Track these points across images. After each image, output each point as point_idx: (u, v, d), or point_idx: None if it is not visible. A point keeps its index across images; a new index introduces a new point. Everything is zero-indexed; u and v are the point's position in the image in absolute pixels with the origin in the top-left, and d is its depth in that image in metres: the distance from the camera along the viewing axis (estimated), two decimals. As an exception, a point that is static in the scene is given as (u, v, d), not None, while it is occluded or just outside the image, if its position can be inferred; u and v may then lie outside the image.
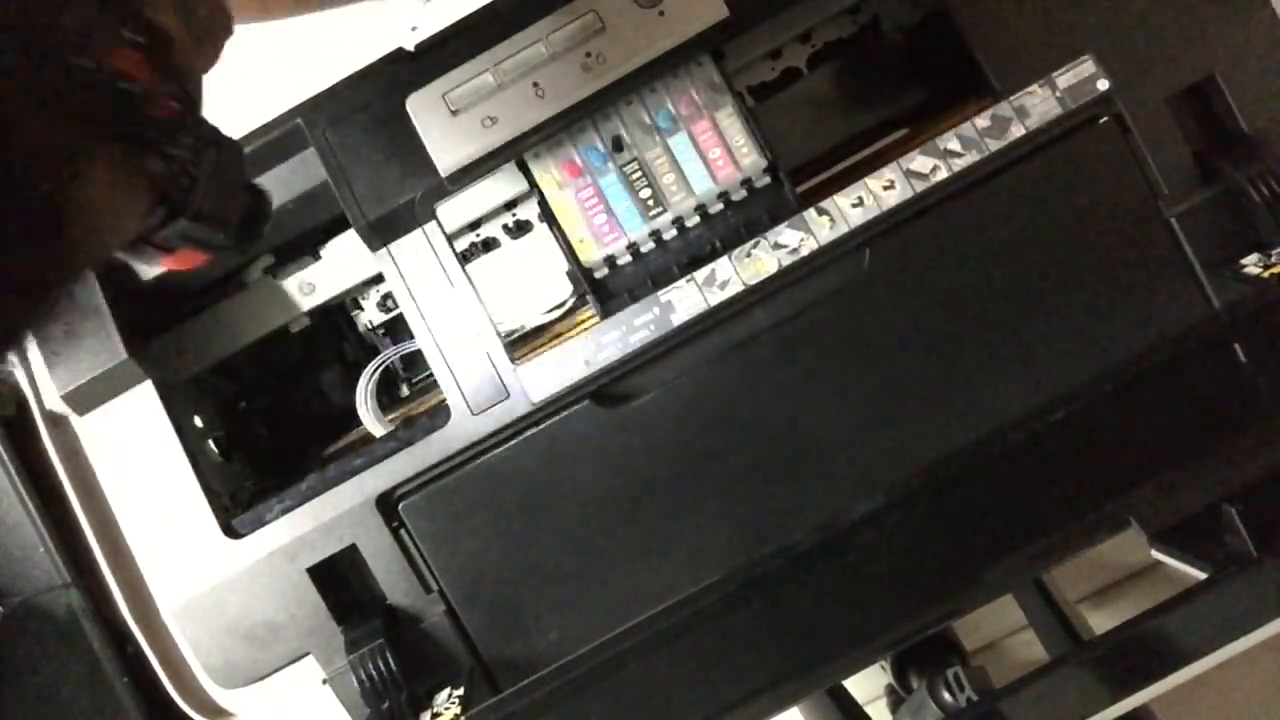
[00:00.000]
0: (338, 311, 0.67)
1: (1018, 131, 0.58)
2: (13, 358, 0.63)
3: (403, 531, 0.59)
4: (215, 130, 0.36)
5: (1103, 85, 0.58)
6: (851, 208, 0.58)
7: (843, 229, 0.58)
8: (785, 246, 0.58)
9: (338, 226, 0.62)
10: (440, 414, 0.59)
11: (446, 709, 0.55)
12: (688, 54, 0.57)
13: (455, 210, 0.63)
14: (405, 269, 0.59)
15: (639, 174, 0.59)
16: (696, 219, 0.60)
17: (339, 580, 0.60)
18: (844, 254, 0.58)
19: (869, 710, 0.72)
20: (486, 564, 0.59)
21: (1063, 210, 0.58)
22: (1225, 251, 0.57)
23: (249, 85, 0.62)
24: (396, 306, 0.64)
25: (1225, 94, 0.58)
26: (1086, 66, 0.58)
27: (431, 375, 0.64)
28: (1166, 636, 0.48)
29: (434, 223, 0.58)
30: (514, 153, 0.58)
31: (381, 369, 0.66)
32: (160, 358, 0.62)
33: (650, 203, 0.59)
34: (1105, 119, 0.58)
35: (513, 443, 0.59)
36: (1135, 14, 0.58)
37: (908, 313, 0.58)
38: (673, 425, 0.58)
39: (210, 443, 0.64)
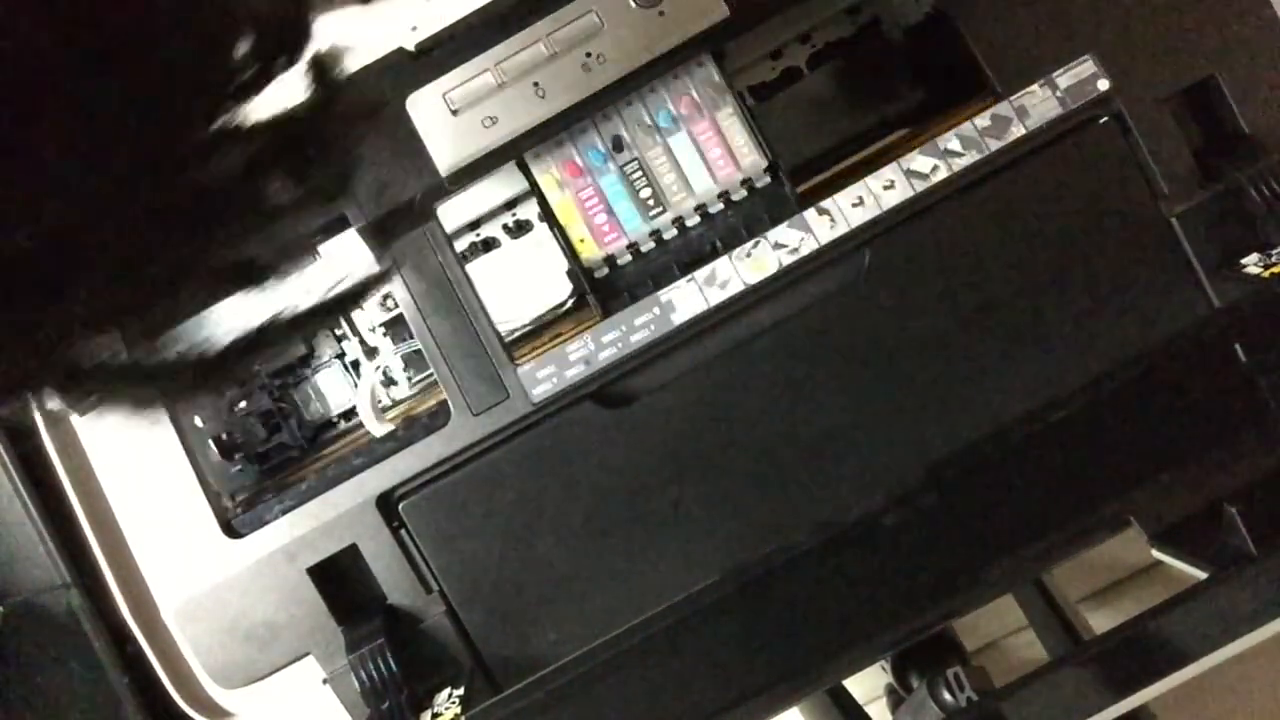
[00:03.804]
0: (338, 311, 0.67)
1: (1018, 131, 0.58)
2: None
3: (403, 531, 0.59)
4: None
5: (1103, 85, 0.58)
6: (851, 207, 0.58)
7: (843, 229, 0.58)
8: (785, 246, 0.58)
9: (338, 226, 0.62)
10: (440, 414, 0.59)
11: (446, 709, 0.55)
12: (688, 54, 0.57)
13: (455, 210, 0.63)
14: (405, 269, 0.59)
15: (639, 174, 0.59)
16: (696, 219, 0.60)
17: (339, 580, 0.60)
18: (844, 254, 0.58)
19: (869, 710, 0.72)
20: (487, 564, 0.59)
21: (1063, 210, 0.58)
22: (1225, 251, 0.57)
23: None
24: (396, 306, 0.64)
25: (1225, 94, 0.58)
26: (1086, 66, 0.58)
27: (431, 375, 0.64)
28: (1166, 636, 0.48)
29: (434, 223, 0.58)
30: (514, 153, 0.58)
31: (381, 369, 0.66)
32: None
33: (650, 202, 0.59)
34: (1105, 119, 0.58)
35: (513, 443, 0.59)
36: (1135, 14, 0.58)
37: (908, 313, 0.58)
38: (673, 425, 0.58)
39: (210, 443, 0.64)
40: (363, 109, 0.39)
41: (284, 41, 0.32)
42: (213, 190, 0.31)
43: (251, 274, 0.35)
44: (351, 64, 0.58)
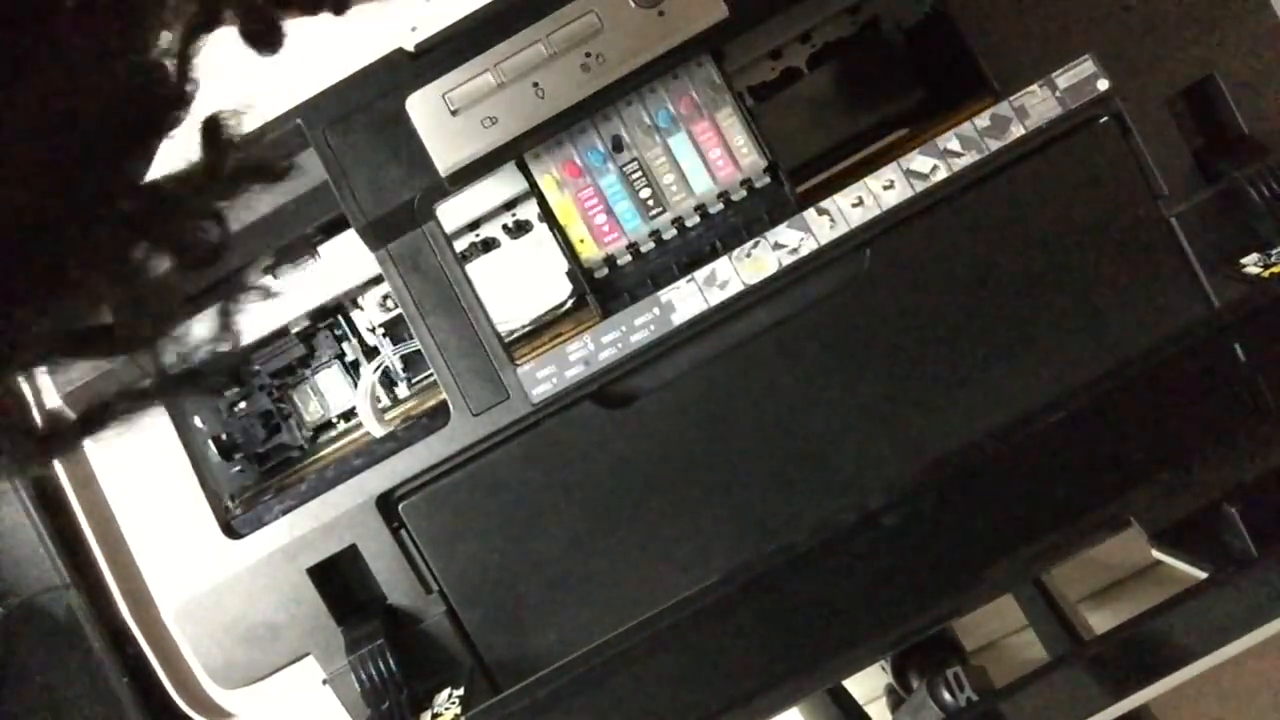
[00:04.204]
0: (337, 311, 0.67)
1: (1018, 131, 0.58)
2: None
3: (403, 532, 0.59)
4: None
5: (1103, 85, 0.58)
6: (851, 208, 0.58)
7: (843, 229, 0.58)
8: (785, 246, 0.58)
9: (338, 226, 0.62)
10: (440, 414, 0.59)
11: (446, 709, 0.55)
12: (688, 54, 0.57)
13: (455, 210, 0.63)
14: (404, 269, 0.59)
15: (639, 174, 0.59)
16: (696, 219, 0.60)
17: (339, 580, 0.60)
18: (844, 254, 0.58)
19: (869, 710, 0.72)
20: (486, 564, 0.59)
21: (1063, 210, 0.58)
22: (1225, 251, 0.57)
23: (249, 85, 0.62)
24: (396, 306, 0.64)
25: (1225, 94, 0.58)
26: (1086, 66, 0.58)
27: (431, 375, 0.64)
28: (1166, 636, 0.48)
29: (433, 223, 0.58)
30: (514, 153, 0.58)
31: (381, 369, 0.66)
32: (160, 358, 0.62)
33: (650, 203, 0.59)
34: (1105, 119, 0.58)
35: (513, 443, 0.59)
36: (1135, 14, 0.58)
37: (907, 312, 0.58)
38: (673, 425, 0.58)
39: (210, 443, 0.64)
40: (256, 172, 0.37)
41: (162, 103, 0.31)
42: (70, 252, 0.29)
43: (104, 343, 0.33)
44: (352, 64, 0.58)
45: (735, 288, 0.58)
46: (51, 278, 0.29)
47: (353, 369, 0.67)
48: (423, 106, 0.57)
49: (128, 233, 0.31)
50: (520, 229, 0.66)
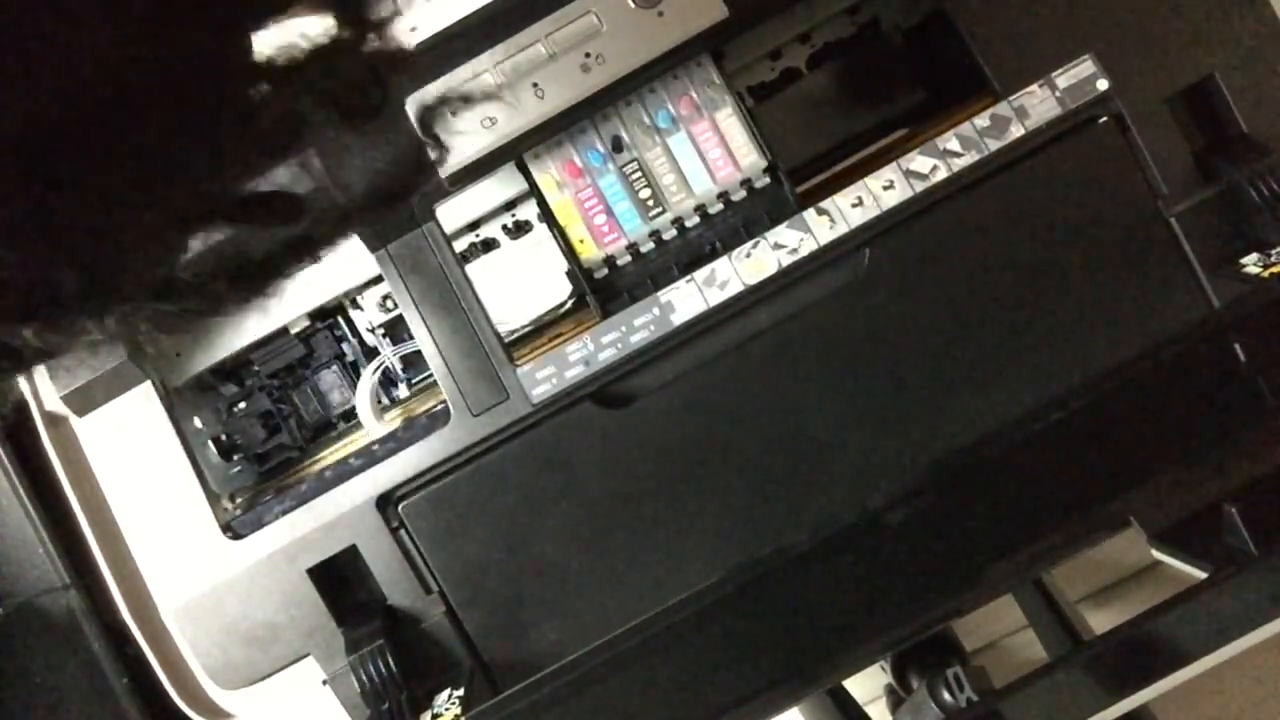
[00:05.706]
0: (337, 312, 0.67)
1: (1017, 131, 0.58)
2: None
3: (402, 532, 0.59)
4: None
5: (1102, 85, 0.58)
6: (851, 208, 0.58)
7: (842, 229, 0.58)
8: (785, 246, 0.58)
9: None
10: (440, 414, 0.59)
11: (446, 710, 0.55)
12: (687, 54, 0.57)
13: (455, 210, 0.63)
14: (404, 269, 0.59)
15: (639, 174, 0.59)
16: (696, 219, 0.60)
17: (339, 581, 0.60)
18: (844, 254, 0.58)
19: (869, 710, 0.72)
20: (486, 564, 0.59)
21: (1062, 210, 0.58)
22: (1225, 251, 0.57)
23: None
24: (396, 306, 0.64)
25: (1225, 94, 0.58)
26: (1086, 66, 0.58)
27: (431, 375, 0.64)
28: (1166, 636, 0.48)
29: (433, 223, 0.58)
30: (514, 153, 0.58)
31: (381, 369, 0.66)
32: (160, 358, 0.62)
33: (650, 203, 0.59)
34: (1105, 119, 0.58)
35: (513, 444, 0.58)
36: (1135, 14, 0.58)
37: (907, 313, 0.58)
38: (673, 426, 0.58)
39: (210, 443, 0.64)
40: (392, 61, 0.36)
41: None
42: (249, 110, 0.29)
43: (280, 207, 0.33)
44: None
45: (735, 288, 0.58)
46: (236, 128, 0.29)
47: (352, 369, 0.67)
48: (423, 106, 0.57)
49: (298, 87, 0.31)
50: (520, 229, 0.66)
